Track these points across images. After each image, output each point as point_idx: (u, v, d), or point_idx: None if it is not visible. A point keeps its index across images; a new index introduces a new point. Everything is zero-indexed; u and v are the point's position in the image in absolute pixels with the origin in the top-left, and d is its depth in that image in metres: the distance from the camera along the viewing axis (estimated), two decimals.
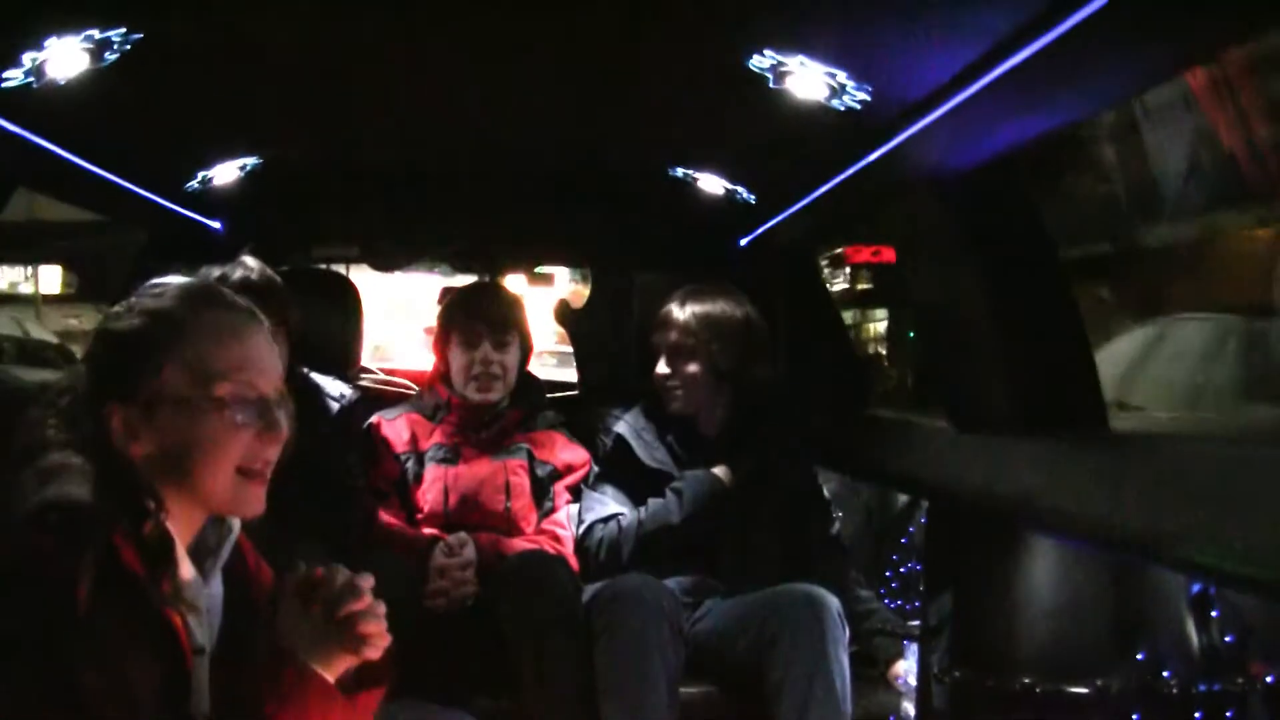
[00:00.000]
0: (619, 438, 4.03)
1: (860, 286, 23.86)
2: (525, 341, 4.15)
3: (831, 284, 23.30)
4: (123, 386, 1.98)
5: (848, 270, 24.33)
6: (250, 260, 3.49)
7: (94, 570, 1.75)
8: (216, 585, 2.13)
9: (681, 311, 3.98)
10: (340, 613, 2.02)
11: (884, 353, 22.42)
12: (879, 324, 24.82)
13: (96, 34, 2.47)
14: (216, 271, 3.36)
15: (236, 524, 2.16)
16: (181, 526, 2.01)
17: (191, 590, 2.01)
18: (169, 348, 1.99)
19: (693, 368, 3.97)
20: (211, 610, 2.10)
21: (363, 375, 4.87)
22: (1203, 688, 2.89)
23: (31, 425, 1.97)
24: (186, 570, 2.01)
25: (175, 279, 2.16)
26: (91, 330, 2.12)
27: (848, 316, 23.79)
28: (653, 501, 3.87)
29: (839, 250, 22.50)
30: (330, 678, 2.02)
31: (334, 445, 3.76)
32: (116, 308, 2.08)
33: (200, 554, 2.09)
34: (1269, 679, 2.85)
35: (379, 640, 2.07)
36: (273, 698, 1.96)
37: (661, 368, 3.99)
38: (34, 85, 2.60)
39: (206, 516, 2.08)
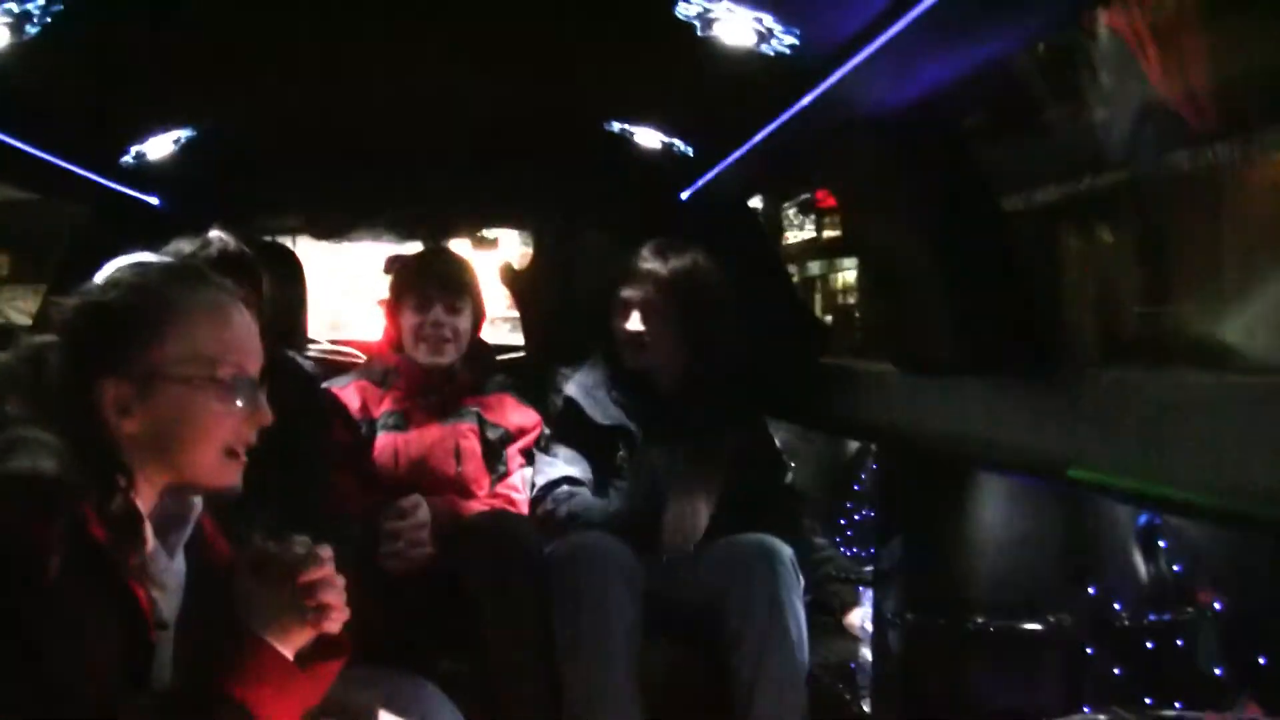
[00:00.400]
0: (569, 399, 4.02)
1: (828, 234, 23.70)
2: (477, 306, 4.13)
3: (800, 232, 23.28)
4: (116, 361, 1.98)
5: (814, 216, 24.12)
6: (223, 235, 3.45)
7: (63, 543, 1.75)
8: (179, 561, 2.14)
9: (661, 266, 3.95)
10: (299, 582, 2.02)
11: (854, 303, 22.38)
12: (849, 273, 24.77)
13: (14, 6, 2.43)
14: (188, 247, 3.32)
15: (199, 499, 2.17)
16: (148, 502, 2.03)
17: (156, 565, 2.01)
18: (167, 325, 2.01)
19: (665, 324, 3.95)
20: (174, 586, 2.10)
21: (309, 346, 4.84)
22: (1153, 618, 2.91)
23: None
24: (151, 545, 2.01)
25: (151, 257, 2.19)
26: (54, 309, 2.08)
27: (816, 266, 23.69)
28: (614, 504, 3.86)
29: (805, 196, 22.23)
30: (288, 652, 2.02)
31: (300, 419, 3.74)
32: (96, 283, 2.09)
33: (164, 529, 2.09)
34: (1217, 606, 2.86)
35: (337, 613, 2.07)
36: (230, 672, 1.95)
37: (633, 324, 3.95)
38: None
39: (173, 492, 2.09)
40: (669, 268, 3.93)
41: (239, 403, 2.06)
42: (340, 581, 2.08)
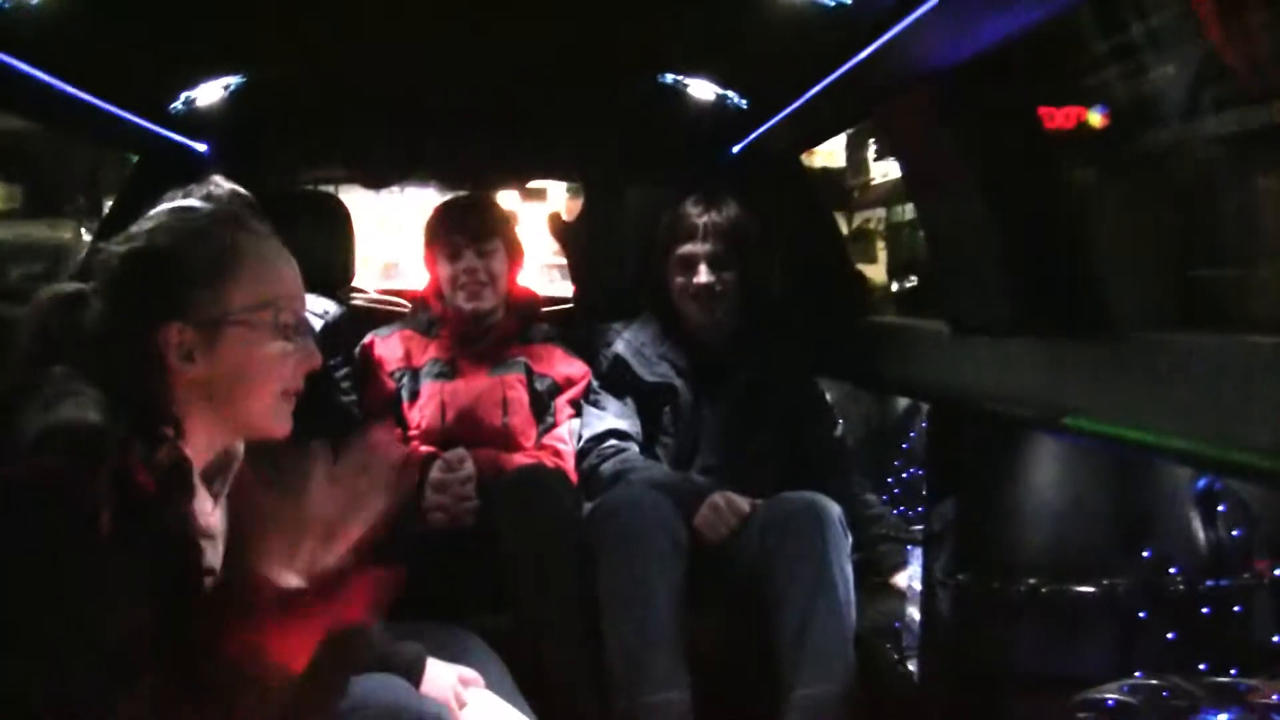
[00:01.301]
0: (617, 356, 4.01)
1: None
2: (512, 249, 4.12)
3: (888, 174, 22.69)
4: (180, 307, 1.99)
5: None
6: (220, 180, 3.43)
7: (111, 495, 1.74)
8: (222, 506, 2.13)
9: (719, 217, 3.93)
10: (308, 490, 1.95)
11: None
12: None
13: None
14: (182, 194, 3.30)
15: (240, 449, 2.15)
16: (198, 449, 2.02)
17: (205, 515, 2.02)
18: (233, 271, 2.03)
19: (731, 275, 3.94)
20: (219, 533, 2.10)
21: (355, 295, 4.83)
22: (1210, 584, 2.87)
23: (29, 345, 1.98)
24: (202, 495, 2.02)
25: (191, 202, 2.15)
26: (103, 255, 2.06)
27: (909, 210, 23.50)
28: (666, 471, 3.85)
29: None
30: (294, 577, 1.91)
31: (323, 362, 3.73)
32: (144, 228, 2.08)
33: (209, 476, 2.09)
34: (1276, 573, 2.83)
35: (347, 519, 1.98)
36: (242, 610, 1.87)
37: (702, 277, 3.92)
38: (6, 6, 2.55)
39: (225, 440, 2.09)
40: (726, 218, 3.91)
41: (295, 344, 2.08)
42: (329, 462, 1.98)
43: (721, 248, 3.90)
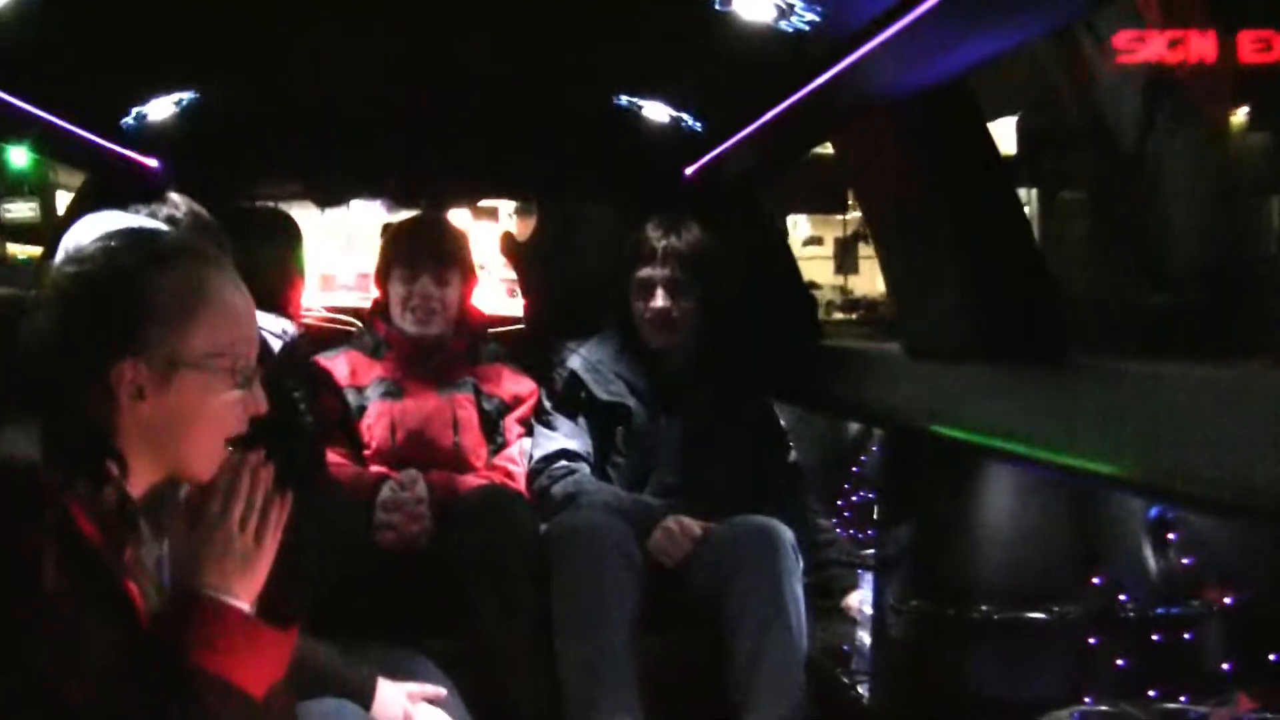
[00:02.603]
0: (572, 373, 4.00)
1: None
2: (467, 275, 4.10)
3: None
4: (138, 342, 1.88)
5: None
6: (177, 198, 3.41)
7: (52, 544, 1.67)
8: (165, 543, 2.04)
9: (678, 242, 3.93)
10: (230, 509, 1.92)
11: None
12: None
13: None
14: (143, 210, 3.27)
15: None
16: (139, 489, 1.92)
17: (148, 554, 1.94)
18: (196, 311, 1.92)
19: (689, 299, 3.93)
20: (162, 571, 2.02)
21: (305, 313, 4.80)
22: (1161, 611, 2.88)
23: None
24: (143, 534, 1.93)
25: (133, 219, 2.06)
26: (57, 278, 1.95)
27: None
28: (618, 493, 3.84)
29: None
30: (242, 602, 1.89)
31: (280, 383, 3.70)
32: (101, 246, 1.95)
33: (152, 515, 1.99)
34: (1227, 600, 2.84)
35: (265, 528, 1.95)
36: (190, 641, 1.83)
37: (659, 301, 3.91)
38: None
39: (160, 479, 1.98)
40: (686, 242, 3.91)
41: (247, 392, 1.99)
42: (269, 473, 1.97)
43: (680, 273, 3.90)
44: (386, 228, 5.10)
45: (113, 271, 1.91)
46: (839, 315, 17.64)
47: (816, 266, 20.88)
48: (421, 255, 4.02)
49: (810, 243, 23.08)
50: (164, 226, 2.09)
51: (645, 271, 3.93)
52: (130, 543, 1.84)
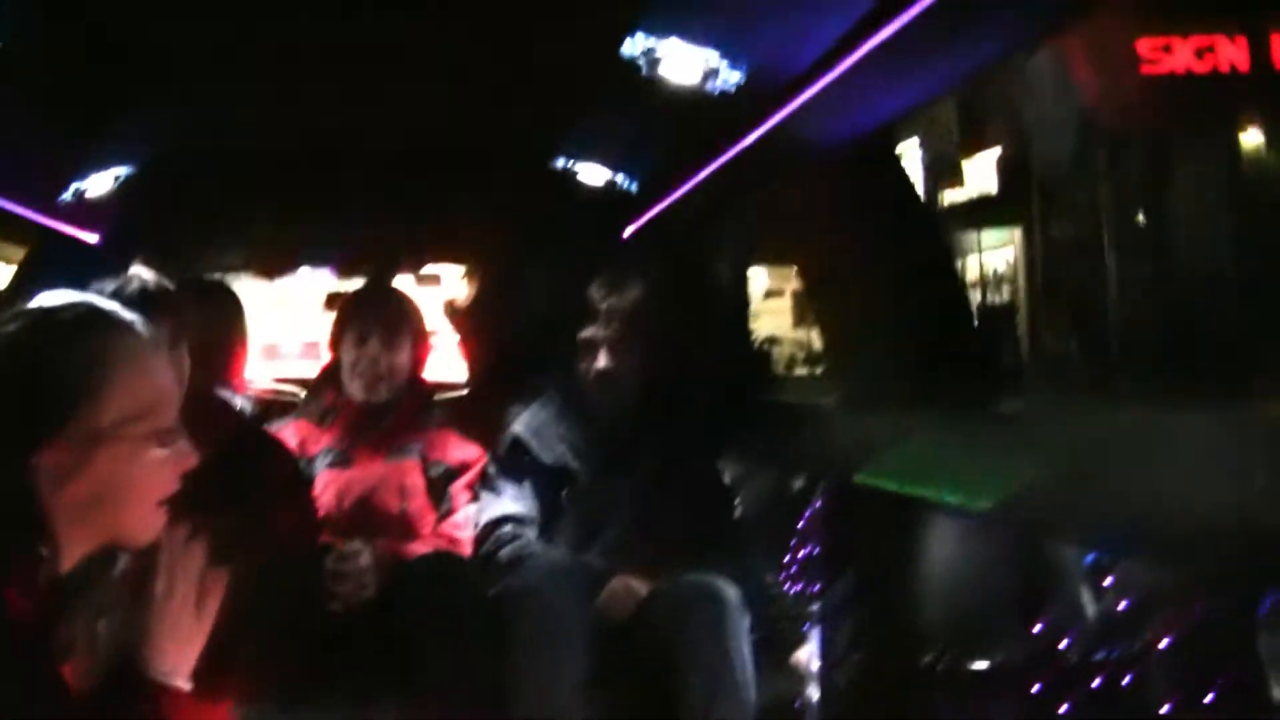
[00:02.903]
0: (515, 438, 3.99)
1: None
2: (419, 344, 4.11)
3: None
4: (51, 426, 1.81)
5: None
6: (143, 271, 3.42)
7: None
8: (104, 616, 2.03)
9: (621, 301, 3.92)
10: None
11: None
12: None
13: None
14: (110, 286, 3.28)
15: (124, 556, 2.00)
16: (74, 560, 1.87)
17: (85, 633, 1.90)
18: (104, 381, 1.84)
19: (632, 359, 3.93)
20: (99, 646, 1.98)
21: (248, 386, 4.80)
22: (1101, 655, 2.90)
23: None
24: (79, 611, 1.90)
25: (67, 295, 2.00)
26: None
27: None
28: (564, 556, 3.82)
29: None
30: (178, 677, 1.88)
31: (235, 460, 3.70)
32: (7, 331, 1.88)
33: (89, 587, 1.94)
34: (1166, 642, 2.86)
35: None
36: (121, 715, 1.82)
37: (602, 362, 3.91)
38: None
39: (97, 549, 1.91)
40: (629, 302, 3.91)
41: (171, 453, 1.91)
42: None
43: (622, 332, 3.90)
44: (332, 297, 5.12)
45: (9, 359, 1.85)
46: (802, 370, 17.55)
47: (776, 320, 20.71)
48: (370, 321, 4.03)
49: (770, 295, 22.85)
50: (76, 294, 2.00)
51: (588, 332, 3.94)
52: (64, 623, 1.81)
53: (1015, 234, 21.29)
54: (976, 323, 3.53)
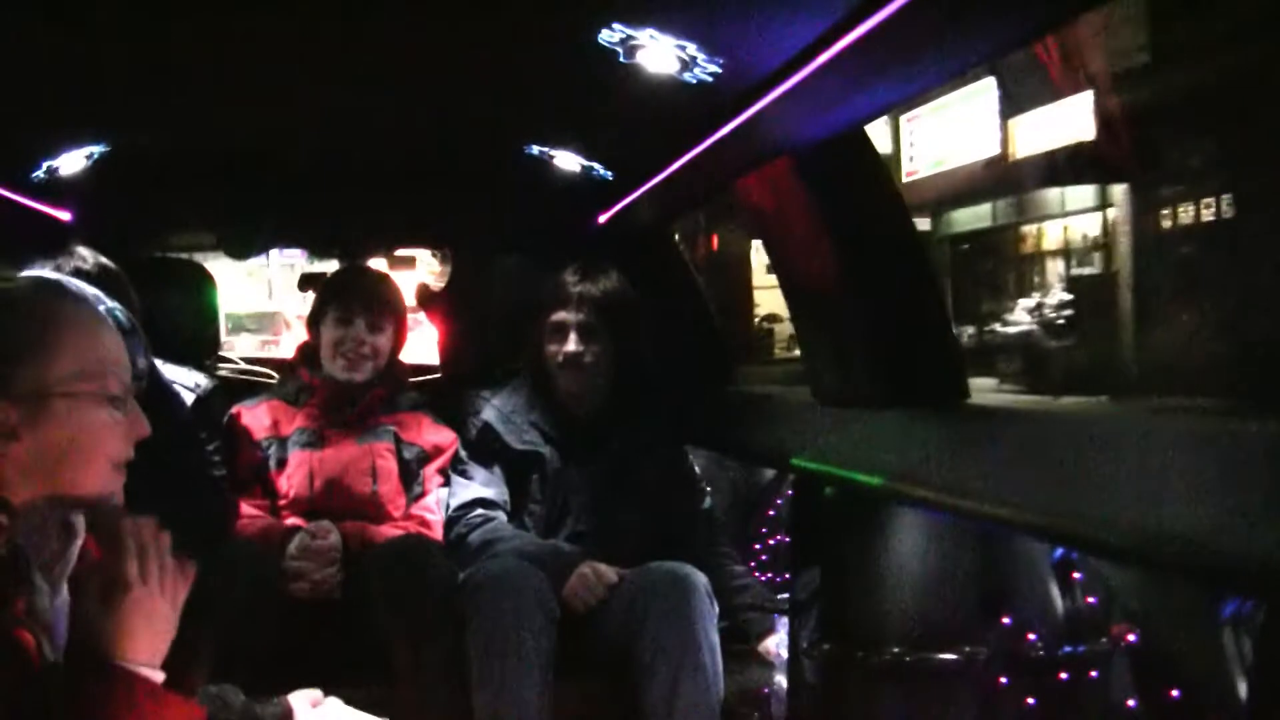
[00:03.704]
0: (485, 424, 4.01)
1: None
2: (399, 326, 4.11)
3: None
4: (1, 383, 1.88)
5: None
6: (83, 250, 3.42)
7: None
8: (64, 594, 2.01)
9: (593, 288, 3.96)
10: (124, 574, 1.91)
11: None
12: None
13: None
14: (50, 264, 3.27)
15: (82, 528, 2.04)
16: (33, 531, 1.92)
17: (43, 603, 1.92)
18: (51, 342, 1.92)
19: (601, 345, 3.96)
20: (58, 619, 1.99)
21: (221, 365, 4.79)
22: (1067, 650, 2.92)
23: None
24: (37, 584, 1.91)
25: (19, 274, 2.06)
26: None
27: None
28: (534, 540, 3.85)
29: None
30: (150, 668, 1.88)
31: (190, 436, 3.70)
32: None
33: (48, 566, 1.98)
34: (1131, 638, 2.88)
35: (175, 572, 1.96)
36: (99, 709, 1.82)
37: (572, 345, 3.94)
38: None
39: (59, 516, 1.97)
40: (600, 289, 3.95)
41: (121, 415, 1.98)
42: (166, 540, 1.96)
43: (593, 317, 3.93)
44: (306, 278, 5.11)
45: None
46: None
47: (778, 296, 20.46)
48: (357, 301, 4.03)
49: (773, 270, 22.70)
50: (12, 277, 2.07)
51: (559, 315, 3.96)
52: (20, 593, 1.83)
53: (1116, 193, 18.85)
54: (945, 319, 3.54)
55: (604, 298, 3.95)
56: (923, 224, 21.04)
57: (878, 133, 19.68)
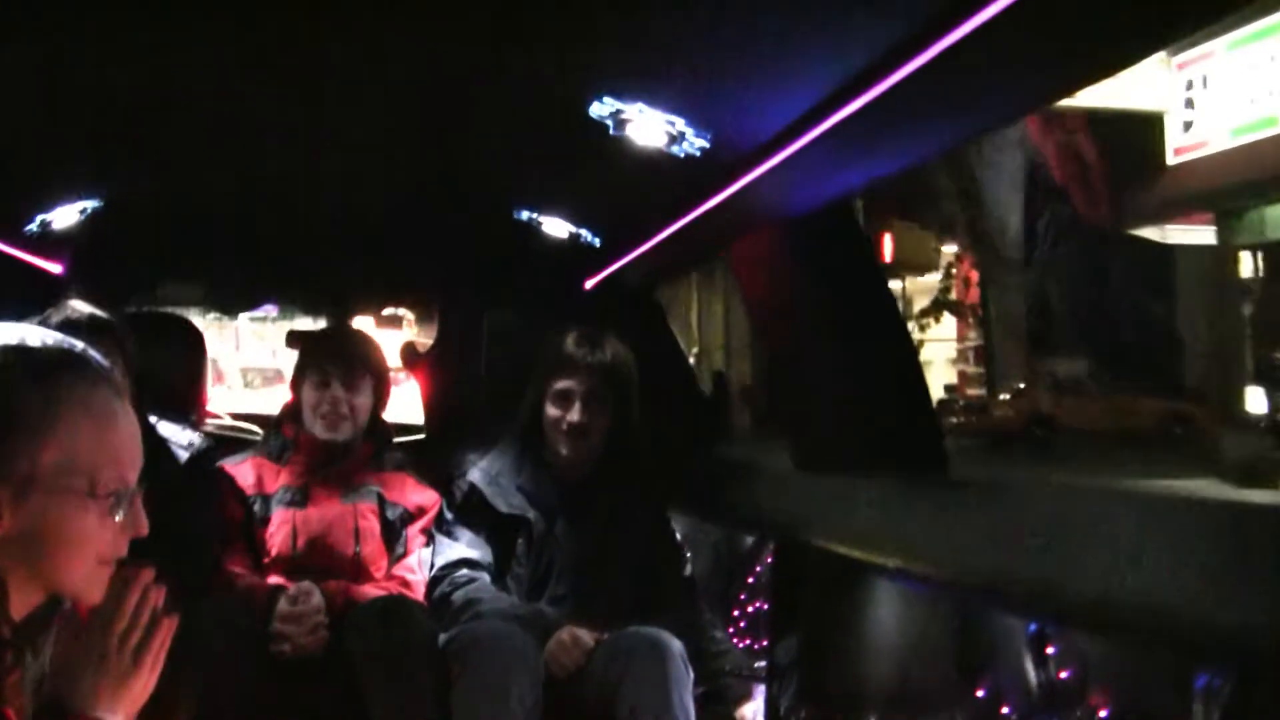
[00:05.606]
0: (471, 485, 4.01)
1: None
2: (380, 384, 4.12)
3: None
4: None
5: None
6: (75, 303, 3.43)
7: None
8: (44, 659, 1.95)
9: (602, 356, 3.96)
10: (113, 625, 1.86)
11: None
12: None
13: None
14: (39, 317, 3.29)
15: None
16: (25, 608, 1.82)
17: (30, 674, 1.87)
18: (49, 427, 1.75)
19: (604, 413, 3.96)
20: (43, 685, 1.93)
21: (207, 420, 4.80)
22: None
23: None
24: (27, 657, 1.86)
25: (19, 327, 1.93)
26: None
27: None
28: (513, 601, 3.85)
29: None
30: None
31: (183, 495, 3.70)
32: None
33: (31, 635, 1.89)
34: (1104, 713, 2.90)
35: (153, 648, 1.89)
36: None
37: (575, 415, 3.92)
38: None
39: (39, 598, 1.85)
40: (609, 358, 3.94)
41: (117, 518, 1.82)
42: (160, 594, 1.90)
43: (600, 386, 3.93)
44: (293, 336, 5.12)
45: None
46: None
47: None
48: (332, 361, 4.03)
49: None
50: (60, 336, 1.93)
51: (565, 383, 3.95)
52: (13, 668, 1.77)
53: None
54: (924, 390, 3.57)
55: (611, 367, 3.95)
56: (1201, 234, 15.75)
57: (1132, 88, 14.82)
